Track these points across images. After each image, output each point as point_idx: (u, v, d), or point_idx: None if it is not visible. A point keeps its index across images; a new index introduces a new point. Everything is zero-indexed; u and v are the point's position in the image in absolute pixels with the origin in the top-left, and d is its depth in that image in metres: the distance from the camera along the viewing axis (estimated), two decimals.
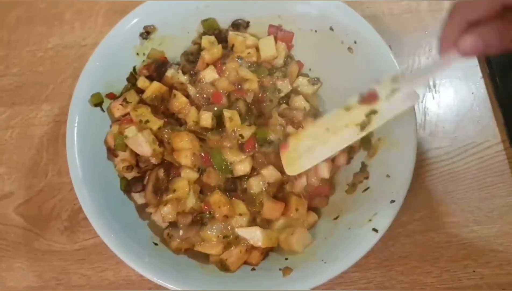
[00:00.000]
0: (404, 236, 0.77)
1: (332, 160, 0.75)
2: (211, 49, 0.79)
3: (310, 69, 0.83)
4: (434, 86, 0.86)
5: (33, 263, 0.78)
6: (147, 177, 0.74)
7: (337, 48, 0.76)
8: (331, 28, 0.75)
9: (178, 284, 0.62)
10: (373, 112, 0.61)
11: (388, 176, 0.67)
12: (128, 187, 0.73)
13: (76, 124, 0.70)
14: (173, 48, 0.82)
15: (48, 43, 0.93)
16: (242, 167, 0.71)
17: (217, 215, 0.70)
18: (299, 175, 0.72)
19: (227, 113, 0.73)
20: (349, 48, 0.75)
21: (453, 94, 0.86)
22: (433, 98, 0.85)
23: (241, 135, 0.73)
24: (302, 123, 0.76)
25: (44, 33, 0.94)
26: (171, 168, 0.74)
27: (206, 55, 0.78)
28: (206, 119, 0.74)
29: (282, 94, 0.79)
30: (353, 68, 0.75)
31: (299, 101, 0.79)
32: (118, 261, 0.64)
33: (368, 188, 0.70)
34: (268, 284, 0.64)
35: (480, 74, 0.86)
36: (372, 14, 0.77)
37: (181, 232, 0.69)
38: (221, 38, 0.81)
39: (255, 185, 0.72)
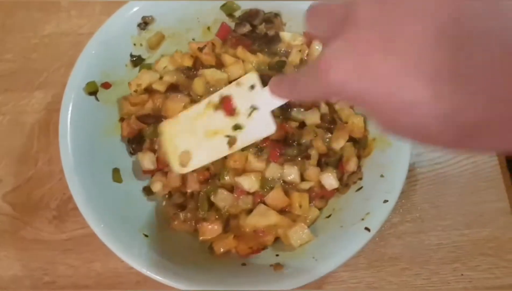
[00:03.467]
0: (395, 237, 0.77)
1: (342, 165, 0.73)
2: None
3: None
4: None
5: (19, 252, 0.77)
6: None
7: None
8: None
9: (166, 277, 0.62)
10: (238, 127, 0.59)
11: (382, 176, 0.67)
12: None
13: (69, 112, 0.69)
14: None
15: (44, 30, 0.92)
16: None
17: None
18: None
19: None
20: None
21: None
22: None
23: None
24: None
25: (40, 20, 0.92)
26: None
27: None
28: None
29: None
30: None
31: None
32: (106, 252, 0.64)
33: (361, 188, 0.70)
34: (258, 279, 0.63)
35: None
36: None
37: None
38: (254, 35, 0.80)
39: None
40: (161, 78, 0.77)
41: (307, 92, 0.44)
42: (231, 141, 0.60)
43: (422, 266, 0.75)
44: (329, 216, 0.71)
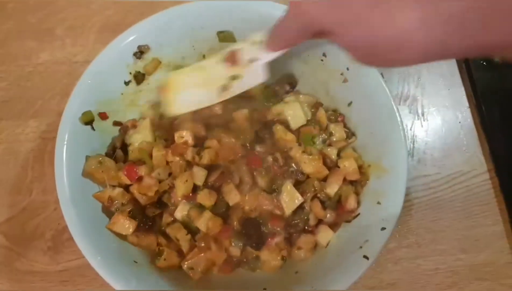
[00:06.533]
0: (393, 263, 0.77)
1: (342, 206, 0.72)
2: None
3: None
4: (423, 114, 0.87)
5: (13, 284, 0.76)
6: None
7: (330, 75, 0.77)
8: (324, 54, 0.76)
9: None
10: (235, 77, 0.65)
11: (378, 203, 0.68)
12: None
13: (65, 142, 0.68)
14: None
15: (38, 58, 0.92)
16: None
17: None
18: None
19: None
20: (342, 74, 0.75)
21: (440, 123, 0.87)
22: (422, 125, 0.87)
23: None
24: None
25: (34, 48, 0.92)
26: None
27: None
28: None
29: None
30: (347, 95, 0.76)
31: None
32: (102, 283, 0.63)
33: (358, 215, 0.71)
34: None
35: (467, 104, 0.88)
36: None
37: None
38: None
39: None
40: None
41: (290, 33, 0.54)
42: (224, 88, 0.66)
43: None
44: (327, 244, 0.71)
